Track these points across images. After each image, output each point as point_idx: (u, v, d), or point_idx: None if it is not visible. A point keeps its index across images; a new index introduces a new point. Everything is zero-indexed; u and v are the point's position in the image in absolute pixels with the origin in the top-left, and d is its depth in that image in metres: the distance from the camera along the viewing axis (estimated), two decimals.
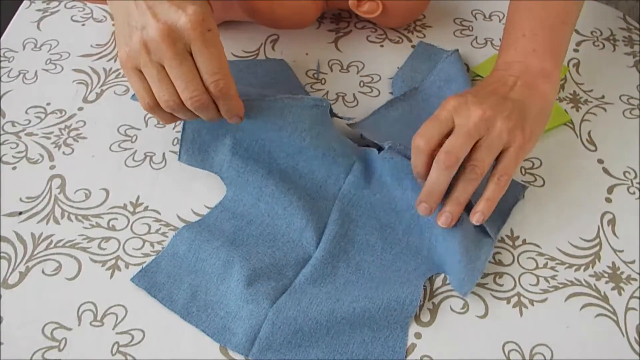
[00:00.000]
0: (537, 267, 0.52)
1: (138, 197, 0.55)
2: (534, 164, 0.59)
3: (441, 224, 0.49)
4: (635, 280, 0.51)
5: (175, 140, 0.60)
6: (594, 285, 0.51)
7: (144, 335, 0.47)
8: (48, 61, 0.67)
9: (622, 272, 0.51)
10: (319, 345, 0.46)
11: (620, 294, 0.50)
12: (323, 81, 0.66)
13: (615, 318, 0.49)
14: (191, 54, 0.45)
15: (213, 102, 0.47)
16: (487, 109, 0.48)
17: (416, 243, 0.52)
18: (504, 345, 0.47)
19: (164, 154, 0.58)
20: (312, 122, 0.54)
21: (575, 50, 0.70)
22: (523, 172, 0.58)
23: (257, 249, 0.51)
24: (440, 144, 0.48)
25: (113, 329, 0.47)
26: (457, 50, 0.65)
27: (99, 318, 0.48)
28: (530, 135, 0.50)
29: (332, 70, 0.68)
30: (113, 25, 0.71)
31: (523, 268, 0.51)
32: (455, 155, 0.47)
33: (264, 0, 0.64)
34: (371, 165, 0.56)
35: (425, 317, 0.49)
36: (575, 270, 0.51)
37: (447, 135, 0.48)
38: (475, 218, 0.49)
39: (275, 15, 0.66)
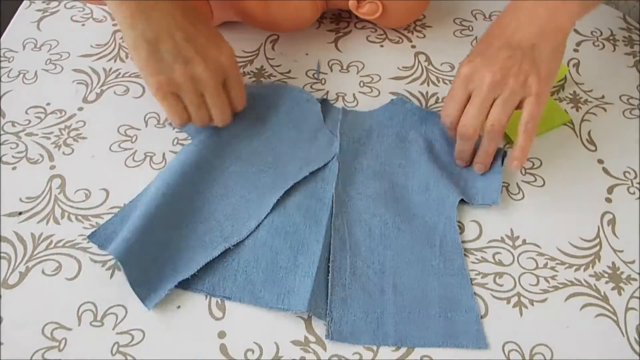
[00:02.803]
0: (537, 267, 0.52)
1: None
2: (534, 164, 0.59)
3: (477, 171, 0.56)
4: (635, 280, 0.51)
5: (176, 141, 0.60)
6: (594, 285, 0.51)
7: (144, 335, 0.47)
8: (48, 61, 0.67)
9: (622, 272, 0.51)
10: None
11: (620, 294, 0.50)
12: (323, 81, 0.66)
13: (615, 318, 0.49)
14: (224, 84, 0.55)
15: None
16: (497, 71, 0.51)
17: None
18: (504, 345, 0.47)
19: (163, 154, 0.58)
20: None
21: (575, 50, 0.70)
22: (523, 172, 0.58)
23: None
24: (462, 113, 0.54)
25: (113, 329, 0.47)
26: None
27: (99, 318, 0.48)
28: (547, 77, 0.52)
29: (332, 70, 0.68)
30: (114, 25, 0.71)
31: (523, 268, 0.51)
32: (472, 126, 0.52)
33: (260, 3, 0.64)
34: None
35: None
36: (575, 270, 0.51)
37: (468, 100, 0.53)
38: (514, 166, 0.52)
39: (273, 19, 0.66)
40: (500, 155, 0.56)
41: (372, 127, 0.61)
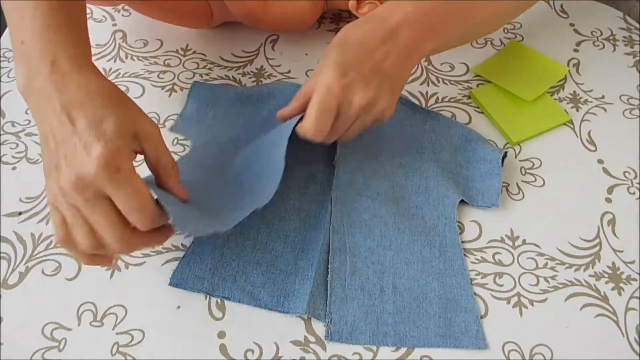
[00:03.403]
0: (537, 267, 0.52)
1: None
2: (534, 164, 0.59)
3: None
4: (635, 280, 0.51)
5: (176, 140, 0.60)
6: (594, 285, 0.51)
7: (143, 335, 0.47)
8: None
9: (622, 272, 0.51)
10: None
11: (620, 294, 0.50)
12: None
13: (615, 318, 0.49)
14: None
15: (138, 234, 0.43)
16: (370, 95, 0.49)
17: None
18: (504, 345, 0.47)
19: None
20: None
21: (575, 50, 0.70)
22: (523, 172, 0.58)
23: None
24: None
25: (113, 329, 0.47)
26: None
27: (99, 318, 0.48)
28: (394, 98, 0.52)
29: None
30: (114, 25, 0.71)
31: (523, 268, 0.51)
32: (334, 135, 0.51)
33: (260, 4, 0.64)
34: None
35: None
36: (575, 270, 0.51)
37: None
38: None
39: (273, 19, 0.66)
40: (499, 156, 0.56)
41: (373, 127, 0.61)
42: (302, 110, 0.50)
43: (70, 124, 0.41)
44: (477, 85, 0.66)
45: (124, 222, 0.42)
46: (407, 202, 0.55)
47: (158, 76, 0.66)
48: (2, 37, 0.70)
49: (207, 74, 0.66)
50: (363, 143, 0.59)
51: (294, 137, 0.53)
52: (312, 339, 0.47)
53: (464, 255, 0.52)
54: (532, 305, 0.49)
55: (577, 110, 0.64)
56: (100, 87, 0.43)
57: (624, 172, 0.58)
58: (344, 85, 0.48)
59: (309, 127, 0.48)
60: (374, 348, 0.47)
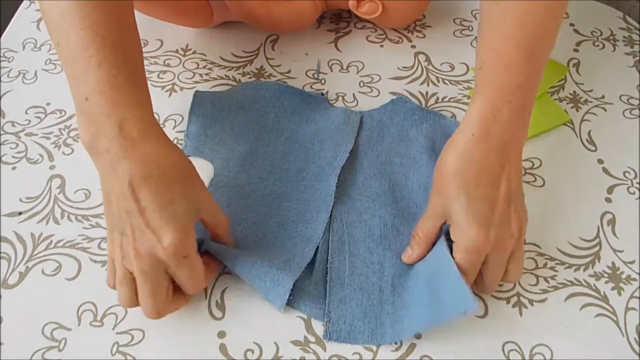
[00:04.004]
0: (537, 267, 0.51)
1: None
2: (534, 164, 0.59)
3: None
4: (635, 280, 0.51)
5: (176, 141, 0.60)
6: (594, 285, 0.51)
7: (143, 335, 0.47)
8: (48, 61, 0.67)
9: (622, 272, 0.51)
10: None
11: (620, 294, 0.50)
12: (323, 81, 0.66)
13: (615, 318, 0.49)
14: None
15: (175, 302, 0.47)
16: (515, 231, 0.46)
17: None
18: (503, 345, 0.47)
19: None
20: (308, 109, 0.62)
21: (575, 50, 0.70)
22: (523, 172, 0.58)
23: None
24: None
25: (113, 329, 0.47)
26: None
27: (99, 318, 0.48)
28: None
29: (332, 70, 0.68)
30: None
31: (523, 268, 0.51)
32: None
33: (261, 3, 0.64)
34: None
35: None
36: (575, 270, 0.51)
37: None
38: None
39: (273, 19, 0.66)
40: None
41: (373, 127, 0.61)
42: (426, 253, 0.49)
43: (135, 201, 0.42)
44: None
45: (166, 297, 0.45)
46: (407, 202, 0.55)
47: (158, 76, 0.66)
48: (2, 37, 0.70)
49: (207, 74, 0.66)
50: (364, 142, 0.60)
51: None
52: (312, 338, 0.47)
53: None
54: (532, 305, 0.49)
55: (577, 110, 0.64)
56: (169, 159, 0.44)
57: (624, 172, 0.58)
58: (492, 241, 0.44)
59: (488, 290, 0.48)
60: (374, 348, 0.47)
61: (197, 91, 0.63)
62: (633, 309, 0.49)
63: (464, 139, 0.46)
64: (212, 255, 0.49)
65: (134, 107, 0.44)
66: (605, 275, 0.51)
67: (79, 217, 0.54)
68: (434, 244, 0.49)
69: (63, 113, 0.62)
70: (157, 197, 0.42)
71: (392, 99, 0.63)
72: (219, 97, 0.62)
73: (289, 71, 0.67)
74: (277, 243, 0.52)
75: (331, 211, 0.54)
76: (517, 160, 0.47)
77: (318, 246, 0.51)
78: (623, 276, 0.51)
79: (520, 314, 0.49)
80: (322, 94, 0.64)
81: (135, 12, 0.69)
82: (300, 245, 0.52)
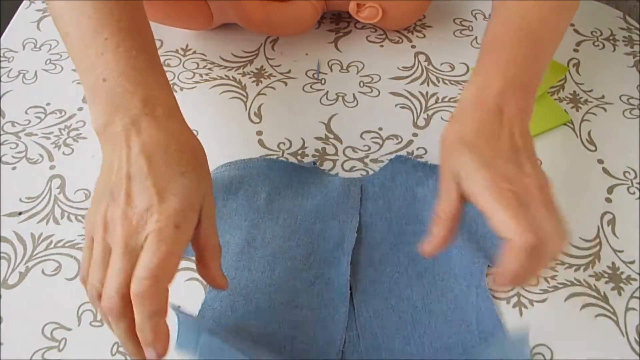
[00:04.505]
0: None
1: None
2: None
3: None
4: (635, 280, 0.51)
5: None
6: (594, 285, 0.51)
7: None
8: (48, 61, 0.67)
9: (622, 272, 0.51)
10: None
11: (620, 294, 0.50)
12: (323, 81, 0.66)
13: (615, 318, 0.49)
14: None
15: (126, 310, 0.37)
16: (529, 170, 0.43)
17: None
18: None
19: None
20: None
21: (575, 50, 0.70)
22: None
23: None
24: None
25: None
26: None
27: (99, 318, 0.48)
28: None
29: (332, 70, 0.68)
30: None
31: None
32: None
33: (260, 9, 0.64)
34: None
35: None
36: (575, 270, 0.51)
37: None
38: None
39: (273, 23, 0.66)
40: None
41: (376, 194, 0.55)
42: (449, 237, 0.43)
43: (146, 165, 0.38)
44: None
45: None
46: (432, 275, 0.49)
47: None
48: (2, 37, 0.70)
49: (207, 74, 0.66)
50: (371, 213, 0.54)
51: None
52: None
53: None
54: (532, 305, 0.49)
55: (577, 110, 0.64)
56: (190, 141, 0.42)
57: (624, 172, 0.58)
58: (503, 177, 0.41)
59: (517, 231, 0.39)
60: None
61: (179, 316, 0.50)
62: (633, 309, 0.49)
63: (461, 108, 0.46)
64: None
65: (157, 89, 0.42)
66: (605, 275, 0.51)
67: (79, 217, 0.54)
68: (457, 223, 0.43)
69: (63, 113, 0.62)
70: (170, 165, 0.39)
71: (390, 159, 0.58)
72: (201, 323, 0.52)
73: (289, 71, 0.67)
74: (295, 350, 0.45)
75: (350, 301, 0.48)
76: (519, 113, 0.45)
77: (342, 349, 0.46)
78: (623, 276, 0.51)
79: (520, 314, 0.49)
80: (314, 163, 0.58)
81: None
82: (324, 347, 0.45)
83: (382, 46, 0.70)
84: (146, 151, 0.39)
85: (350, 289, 0.48)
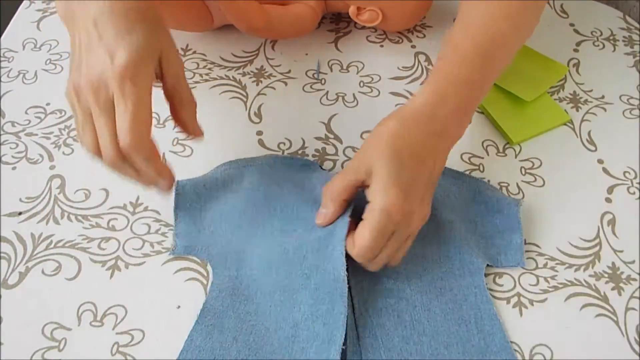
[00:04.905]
0: (537, 267, 0.51)
1: (138, 197, 0.55)
2: (533, 164, 0.59)
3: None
4: (635, 280, 0.51)
5: (176, 141, 0.60)
6: (594, 285, 0.51)
7: (143, 335, 0.47)
8: (48, 61, 0.67)
9: (622, 272, 0.51)
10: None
11: (620, 294, 0.50)
12: (323, 81, 0.66)
13: (615, 318, 0.49)
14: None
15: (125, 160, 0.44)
16: (425, 214, 0.47)
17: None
18: None
19: (163, 154, 0.58)
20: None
21: (575, 50, 0.70)
22: (523, 172, 0.58)
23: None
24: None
25: (113, 329, 0.47)
26: None
27: (98, 318, 0.48)
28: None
29: (332, 70, 0.68)
30: None
31: (523, 268, 0.51)
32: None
33: (260, 13, 0.64)
34: None
35: None
36: (575, 270, 0.51)
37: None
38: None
39: (273, 30, 0.65)
40: (517, 209, 0.53)
41: None
42: (340, 212, 0.48)
43: (97, 34, 0.42)
44: None
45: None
46: (431, 275, 0.50)
47: None
48: (2, 37, 0.70)
49: (207, 74, 0.66)
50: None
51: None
52: None
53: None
54: (532, 305, 0.49)
55: (577, 110, 0.64)
56: (136, 3, 0.44)
57: (624, 172, 0.58)
58: (406, 212, 0.44)
59: (364, 252, 0.45)
60: None
61: (178, 182, 0.54)
62: (633, 309, 0.49)
63: (412, 110, 0.48)
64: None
65: None
66: (606, 275, 0.51)
67: (79, 217, 0.54)
68: (349, 204, 0.48)
69: (63, 113, 0.62)
70: (117, 26, 0.42)
71: None
72: (202, 184, 0.55)
73: (289, 71, 0.67)
74: (296, 348, 0.45)
75: (349, 297, 0.48)
76: (444, 154, 0.49)
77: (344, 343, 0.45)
78: (623, 276, 0.51)
79: (520, 314, 0.49)
80: (314, 162, 0.58)
81: None
82: (324, 345, 0.45)
83: (382, 46, 0.70)
84: (95, 20, 0.42)
85: (349, 282, 0.47)
